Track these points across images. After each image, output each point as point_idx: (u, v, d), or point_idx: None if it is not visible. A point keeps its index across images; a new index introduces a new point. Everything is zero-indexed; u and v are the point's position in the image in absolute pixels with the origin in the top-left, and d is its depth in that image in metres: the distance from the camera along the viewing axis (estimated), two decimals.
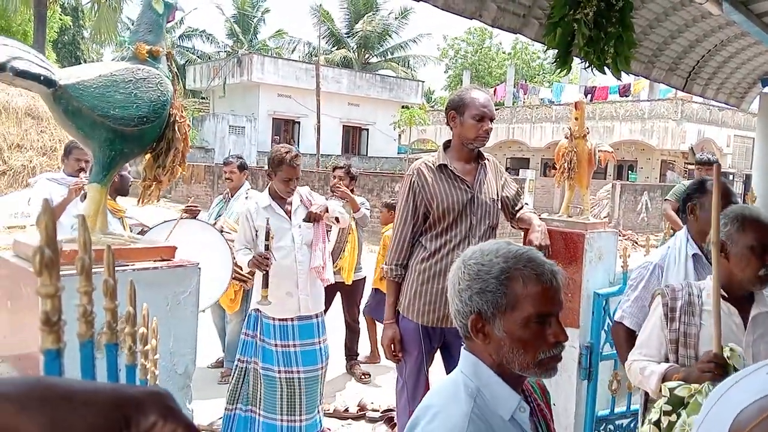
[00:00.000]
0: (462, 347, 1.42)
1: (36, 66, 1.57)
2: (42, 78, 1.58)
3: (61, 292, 0.60)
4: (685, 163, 25.24)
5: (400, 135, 32.12)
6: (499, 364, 1.33)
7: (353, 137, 31.03)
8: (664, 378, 2.15)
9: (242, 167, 5.18)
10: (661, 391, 2.07)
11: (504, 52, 49.87)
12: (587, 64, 3.07)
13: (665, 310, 2.27)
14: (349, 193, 5.05)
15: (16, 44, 1.59)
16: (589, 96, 26.75)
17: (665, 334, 2.26)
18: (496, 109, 3.01)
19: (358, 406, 4.53)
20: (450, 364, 3.08)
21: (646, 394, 2.45)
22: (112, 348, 0.90)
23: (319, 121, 22.62)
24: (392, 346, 2.99)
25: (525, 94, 32.34)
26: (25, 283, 1.58)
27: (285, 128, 29.12)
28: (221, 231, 4.46)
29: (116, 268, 0.90)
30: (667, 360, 2.27)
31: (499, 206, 3.07)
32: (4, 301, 1.73)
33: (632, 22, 2.97)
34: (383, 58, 36.83)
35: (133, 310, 1.01)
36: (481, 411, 1.28)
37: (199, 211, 4.17)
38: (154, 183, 1.90)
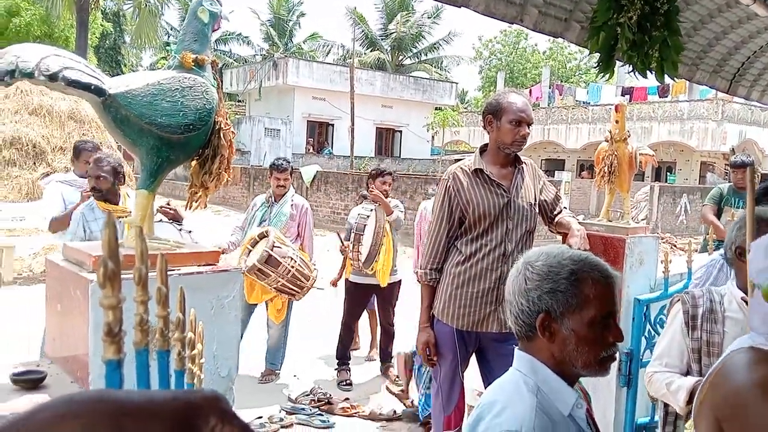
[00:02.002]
0: (516, 348, 1.48)
1: (87, 75, 1.62)
2: (92, 87, 1.62)
3: (122, 303, 0.62)
4: (725, 164, 24.64)
5: (433, 137, 32.05)
6: (560, 362, 1.39)
7: (386, 139, 31.07)
8: (693, 394, 2.07)
9: (292, 172, 5.14)
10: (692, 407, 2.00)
11: (540, 53, 49.40)
12: (631, 68, 3.02)
13: (686, 318, 2.20)
14: (382, 197, 5.03)
15: (67, 54, 1.63)
16: (628, 96, 26.32)
17: (687, 343, 2.19)
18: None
19: (392, 409, 4.54)
20: (486, 369, 3.06)
21: (666, 405, 2.37)
22: (164, 354, 0.92)
23: (352, 124, 22.71)
24: (427, 350, 2.98)
25: (560, 94, 31.95)
26: (75, 286, 1.62)
27: (319, 131, 29.33)
28: (273, 247, 4.35)
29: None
30: (689, 369, 2.20)
31: (537, 210, 3.04)
32: (54, 304, 1.77)
33: (678, 26, 2.90)
34: (417, 60, 36.80)
35: (183, 316, 1.03)
36: (542, 405, 1.34)
37: (175, 214, 4.08)
38: (201, 189, 1.93)
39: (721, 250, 3.02)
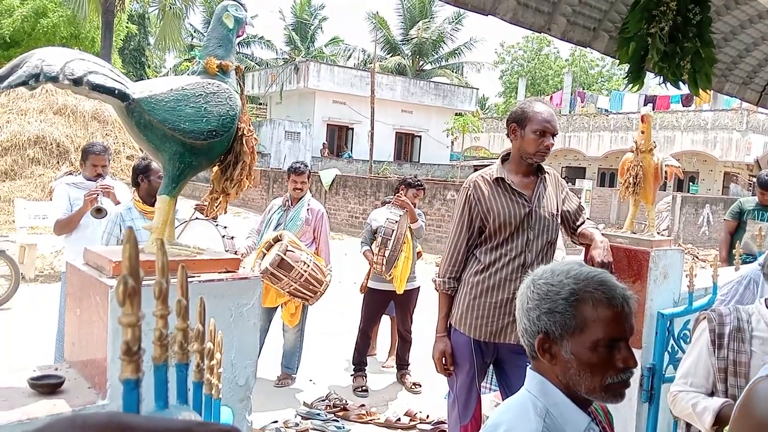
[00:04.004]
0: (528, 366, 1.43)
1: (111, 80, 1.61)
2: (116, 92, 1.62)
3: (141, 321, 0.60)
4: (749, 175, 24.30)
5: (453, 142, 32.00)
6: (566, 385, 1.33)
7: (406, 144, 31.07)
8: (719, 416, 2.01)
9: (309, 175, 5.11)
10: None
11: (562, 59, 49.18)
12: (662, 80, 2.96)
13: (712, 337, 2.14)
14: (409, 203, 5.03)
15: (92, 58, 1.63)
16: (651, 105, 26.10)
17: (712, 362, 2.13)
18: None
19: (406, 415, 4.51)
20: (504, 380, 3.02)
21: (688, 425, 2.31)
22: (182, 368, 0.90)
23: (372, 128, 22.73)
24: (443, 359, 2.95)
25: (582, 102, 31.74)
26: (94, 291, 1.62)
27: (339, 134, 29.41)
28: (286, 251, 4.33)
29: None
30: (714, 389, 2.14)
31: (559, 221, 2.99)
32: (73, 308, 1.77)
33: (711, 38, 2.84)
34: (437, 65, 36.78)
35: (203, 327, 1.02)
36: (550, 429, 1.28)
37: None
38: (222, 195, 1.93)
39: (750, 267, 2.96)
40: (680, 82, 2.95)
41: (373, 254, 5.07)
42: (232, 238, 3.93)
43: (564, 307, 1.29)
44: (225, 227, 4.02)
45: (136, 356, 0.60)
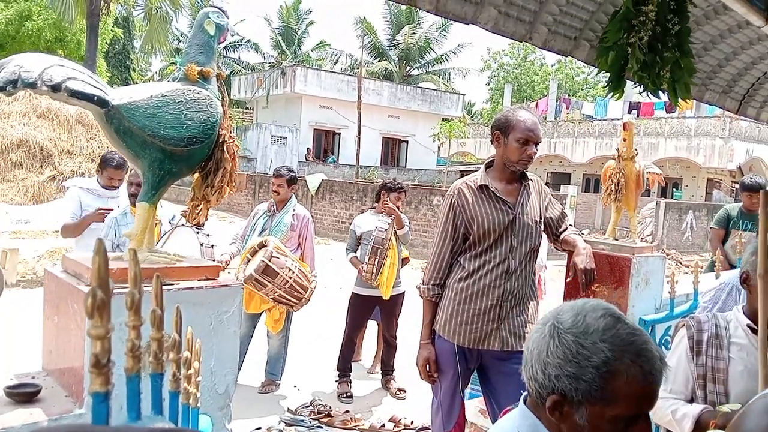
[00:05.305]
0: (523, 403, 1.32)
1: (90, 86, 1.60)
2: (95, 98, 1.60)
3: (111, 333, 0.59)
4: (732, 182, 24.58)
5: (439, 147, 32.10)
6: None
7: (392, 149, 31.12)
8: (699, 423, 2.03)
9: (292, 181, 5.01)
10: None
11: (548, 66, 49.54)
12: (642, 89, 2.99)
13: (690, 343, 2.15)
14: (397, 210, 5.04)
15: (71, 65, 1.62)
16: (635, 112, 26.32)
17: (691, 369, 2.14)
18: None
19: (391, 421, 4.50)
20: (488, 387, 3.02)
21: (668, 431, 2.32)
22: (157, 378, 0.89)
23: (359, 133, 22.75)
24: (427, 366, 2.95)
25: (567, 108, 31.97)
26: (72, 299, 1.60)
27: (326, 139, 29.40)
28: (271, 258, 4.30)
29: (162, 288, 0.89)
30: (693, 395, 2.15)
31: (542, 228, 3.00)
32: (51, 315, 1.75)
33: (690, 48, 2.87)
34: (424, 71, 36.89)
35: (179, 337, 1.01)
36: None
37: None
38: (202, 202, 1.92)
39: (731, 273, 3.00)
40: (660, 91, 2.98)
41: (361, 262, 5.07)
42: (212, 246, 3.91)
43: (593, 376, 1.14)
44: (208, 235, 3.99)
45: (106, 368, 0.59)
